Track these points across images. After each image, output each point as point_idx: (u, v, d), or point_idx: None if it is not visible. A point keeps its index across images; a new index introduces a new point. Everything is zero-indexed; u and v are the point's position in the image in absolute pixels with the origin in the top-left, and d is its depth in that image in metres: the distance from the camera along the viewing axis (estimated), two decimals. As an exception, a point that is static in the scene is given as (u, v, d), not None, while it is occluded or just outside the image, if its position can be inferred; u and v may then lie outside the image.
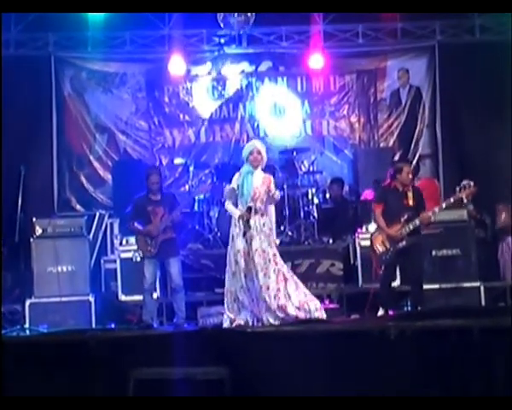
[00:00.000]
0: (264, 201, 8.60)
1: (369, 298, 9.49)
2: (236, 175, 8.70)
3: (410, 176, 9.35)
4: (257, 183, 8.58)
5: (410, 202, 9.20)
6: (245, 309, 8.52)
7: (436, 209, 9.24)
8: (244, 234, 8.47)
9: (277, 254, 8.58)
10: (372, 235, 9.51)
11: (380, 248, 9.25)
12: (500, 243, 11.53)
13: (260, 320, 8.40)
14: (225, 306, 8.64)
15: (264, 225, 8.54)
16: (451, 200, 9.21)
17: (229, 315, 8.56)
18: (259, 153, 8.63)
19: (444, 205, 9.27)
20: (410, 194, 9.24)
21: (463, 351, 6.26)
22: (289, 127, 13.95)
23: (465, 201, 9.35)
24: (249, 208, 8.43)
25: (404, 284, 10.02)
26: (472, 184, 9.08)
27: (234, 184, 8.63)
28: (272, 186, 8.63)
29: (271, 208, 8.75)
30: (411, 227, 9.09)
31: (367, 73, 14.11)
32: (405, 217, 9.09)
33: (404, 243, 9.13)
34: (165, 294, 10.22)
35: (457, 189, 9.20)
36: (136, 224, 9.59)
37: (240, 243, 8.51)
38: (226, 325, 8.55)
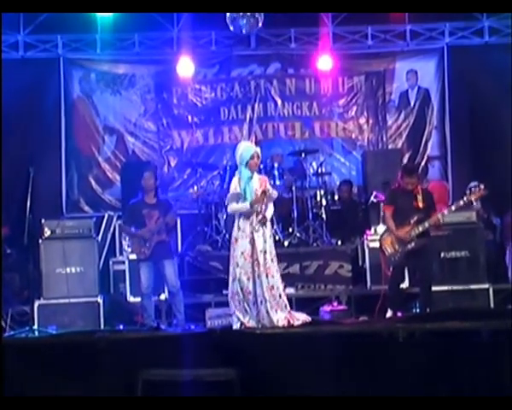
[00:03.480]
0: (265, 201, 8.64)
1: (380, 299, 9.46)
2: (235, 180, 8.71)
3: (413, 186, 9.34)
4: (256, 185, 8.63)
5: (420, 205, 9.20)
6: (250, 311, 8.53)
7: (445, 212, 9.25)
8: (259, 221, 8.52)
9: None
10: (381, 236, 9.52)
11: (389, 250, 9.26)
12: (507, 245, 11.51)
13: (264, 322, 8.39)
14: (233, 308, 8.64)
15: (266, 225, 8.59)
16: (461, 202, 9.21)
17: (239, 317, 8.58)
18: (259, 157, 8.70)
19: (453, 208, 9.29)
20: (419, 196, 9.24)
21: (472, 353, 6.25)
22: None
23: (474, 204, 9.35)
24: (263, 192, 8.52)
25: (413, 285, 10.03)
26: (482, 186, 9.08)
27: (237, 189, 8.65)
28: (268, 186, 8.72)
29: (271, 207, 8.77)
30: (420, 229, 9.09)
31: (376, 74, 14.09)
32: (415, 219, 9.09)
33: (412, 244, 9.13)
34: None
35: (467, 191, 9.20)
36: (130, 228, 9.66)
37: (244, 245, 8.52)
38: (236, 326, 8.57)
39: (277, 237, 11.12)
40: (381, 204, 10.28)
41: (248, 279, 8.48)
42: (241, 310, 8.57)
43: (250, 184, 8.60)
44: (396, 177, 9.66)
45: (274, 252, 8.59)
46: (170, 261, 9.56)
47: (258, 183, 8.66)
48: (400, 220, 9.19)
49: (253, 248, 8.44)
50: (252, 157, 8.64)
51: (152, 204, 9.66)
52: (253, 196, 8.55)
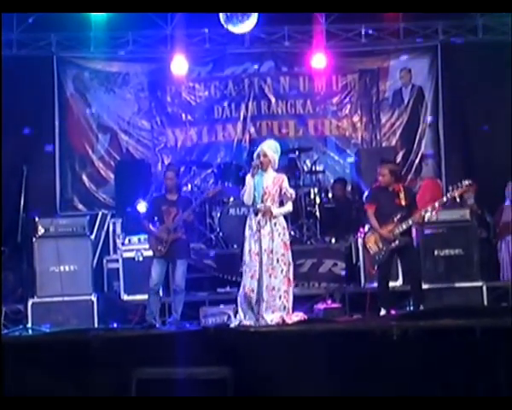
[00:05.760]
0: (277, 200, 8.70)
1: (367, 299, 9.50)
2: (248, 176, 8.79)
3: (390, 177, 9.32)
4: (267, 183, 8.68)
5: (403, 202, 9.20)
6: (251, 310, 8.56)
7: (429, 208, 9.22)
8: (256, 213, 8.60)
9: (286, 255, 8.63)
10: (365, 235, 9.52)
11: (373, 249, 9.26)
12: (500, 241, 11.54)
13: (262, 320, 8.42)
14: (239, 305, 8.73)
15: (275, 224, 8.61)
16: (444, 199, 9.24)
17: (240, 314, 8.63)
18: (265, 155, 8.74)
19: (437, 204, 9.26)
20: (401, 194, 9.24)
21: (466, 351, 6.26)
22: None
23: (458, 200, 9.37)
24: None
25: (406, 283, 10.04)
26: (466, 182, 9.09)
27: (248, 184, 8.71)
28: (285, 185, 8.74)
29: (289, 206, 8.83)
30: (404, 227, 9.10)
31: (369, 72, 14.09)
32: (398, 217, 9.10)
33: (397, 242, 9.14)
34: (168, 294, 10.21)
35: (450, 188, 9.23)
36: (149, 223, 9.65)
37: (251, 244, 8.58)
38: (235, 324, 8.61)
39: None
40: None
41: (252, 277, 8.54)
42: (242, 308, 8.64)
43: (258, 182, 8.69)
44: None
45: (282, 252, 8.59)
46: (182, 261, 9.54)
47: (271, 181, 8.72)
48: (383, 219, 9.20)
49: (260, 247, 8.49)
50: (258, 156, 8.75)
51: (172, 201, 9.61)
52: (260, 193, 8.61)
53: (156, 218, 9.64)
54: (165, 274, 9.82)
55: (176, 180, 9.72)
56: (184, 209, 9.50)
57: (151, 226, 9.65)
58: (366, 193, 9.98)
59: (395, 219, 9.11)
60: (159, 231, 9.51)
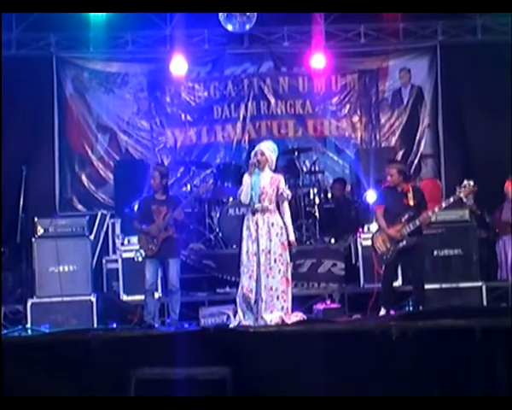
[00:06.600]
0: (274, 200, 8.71)
1: (373, 298, 9.49)
2: (246, 176, 8.81)
3: (399, 176, 9.35)
4: (264, 183, 8.70)
5: (411, 202, 9.23)
6: (249, 310, 8.57)
7: (436, 209, 9.30)
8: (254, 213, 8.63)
9: (284, 255, 8.64)
10: (373, 235, 9.57)
11: (380, 248, 9.29)
12: (498, 240, 11.54)
13: (262, 321, 8.43)
14: (237, 305, 8.75)
15: (273, 224, 8.62)
16: (451, 199, 9.26)
17: (239, 314, 8.64)
18: (263, 154, 8.77)
19: (444, 205, 9.32)
20: (410, 194, 9.27)
21: (465, 351, 6.26)
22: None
23: (465, 200, 9.40)
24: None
25: (406, 283, 10.05)
26: (472, 183, 9.11)
27: (245, 183, 8.73)
28: (281, 185, 8.76)
29: (285, 207, 8.85)
30: (411, 227, 9.12)
31: (369, 72, 14.09)
32: (406, 217, 9.13)
33: (404, 242, 9.16)
34: (167, 294, 10.21)
35: (457, 188, 9.25)
36: (139, 223, 9.65)
37: (249, 244, 8.59)
38: (234, 324, 8.61)
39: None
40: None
41: (250, 278, 8.56)
42: (242, 308, 8.65)
43: (255, 181, 8.71)
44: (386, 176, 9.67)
45: (279, 252, 8.61)
46: (174, 260, 9.56)
47: (268, 180, 8.74)
48: (392, 219, 9.24)
49: (257, 248, 8.51)
50: (255, 155, 8.78)
51: (161, 200, 9.65)
52: (257, 192, 8.62)
53: (147, 217, 9.64)
54: (163, 274, 9.82)
55: (161, 180, 9.71)
56: (174, 208, 9.53)
57: (142, 226, 9.65)
58: (374, 194, 10.00)
59: (403, 220, 9.13)
60: (150, 229, 9.53)
